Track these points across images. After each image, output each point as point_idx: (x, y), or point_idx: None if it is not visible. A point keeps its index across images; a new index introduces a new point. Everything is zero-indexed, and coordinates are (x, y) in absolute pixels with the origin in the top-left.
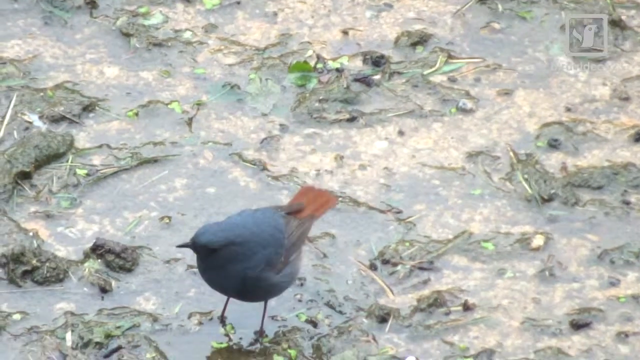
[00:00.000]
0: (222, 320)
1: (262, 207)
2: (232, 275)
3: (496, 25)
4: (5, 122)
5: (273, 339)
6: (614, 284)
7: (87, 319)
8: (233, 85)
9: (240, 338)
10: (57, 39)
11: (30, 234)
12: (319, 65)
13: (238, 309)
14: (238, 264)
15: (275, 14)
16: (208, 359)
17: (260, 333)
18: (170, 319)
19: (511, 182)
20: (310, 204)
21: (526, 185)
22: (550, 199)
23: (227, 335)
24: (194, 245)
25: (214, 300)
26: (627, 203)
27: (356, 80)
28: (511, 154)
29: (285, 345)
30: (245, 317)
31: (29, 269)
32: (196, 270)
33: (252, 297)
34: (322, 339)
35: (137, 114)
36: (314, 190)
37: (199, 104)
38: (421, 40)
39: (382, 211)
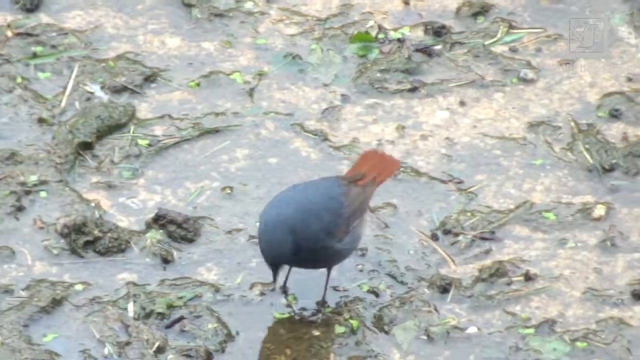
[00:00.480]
0: (284, 290)
1: (321, 177)
2: (299, 250)
3: None
4: (67, 92)
5: (335, 309)
6: None
7: (149, 290)
8: (294, 55)
9: (302, 308)
10: (119, 10)
11: (92, 204)
12: (380, 36)
13: (300, 279)
14: (297, 235)
15: None
16: (270, 329)
17: (322, 303)
18: (232, 290)
19: (572, 152)
20: (373, 169)
21: (587, 156)
22: (611, 169)
23: (289, 305)
24: (270, 263)
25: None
26: None
27: (417, 50)
28: (572, 124)
29: (347, 316)
30: (308, 287)
31: (91, 240)
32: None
33: (314, 265)
34: (384, 309)
35: (198, 85)
36: (377, 154)
37: (261, 75)
38: (482, 10)
39: (443, 181)
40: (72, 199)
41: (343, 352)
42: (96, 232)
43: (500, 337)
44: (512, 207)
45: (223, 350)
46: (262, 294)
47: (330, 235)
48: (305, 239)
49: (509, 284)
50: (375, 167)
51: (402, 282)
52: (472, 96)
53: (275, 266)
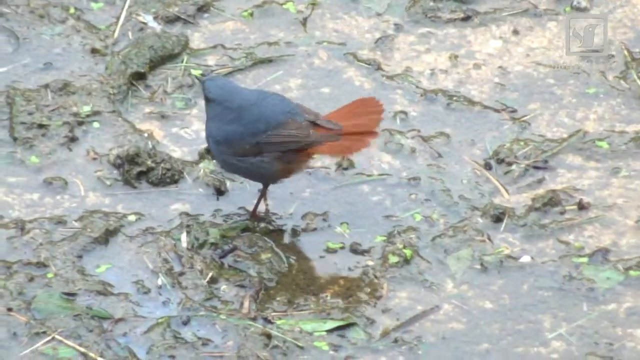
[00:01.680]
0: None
1: (290, 100)
2: (208, 128)
3: None
4: (120, 23)
5: (388, 238)
6: None
7: (202, 220)
8: None
9: (355, 239)
10: None
11: (145, 134)
12: None
13: (353, 209)
14: (215, 121)
15: None
16: (323, 259)
17: (251, 214)
18: (285, 220)
19: (626, 80)
20: (354, 127)
21: None
22: None
23: (342, 235)
24: (202, 83)
25: (329, 200)
26: None
27: None
28: (625, 52)
29: (400, 245)
30: (361, 217)
31: (144, 170)
32: (311, 170)
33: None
34: (437, 239)
35: (251, 14)
36: (374, 111)
37: (314, 4)
38: None
39: (496, 110)
40: (125, 130)
41: (396, 282)
42: (149, 163)
43: (554, 266)
44: (565, 135)
45: (276, 281)
46: (314, 223)
47: (226, 143)
48: (209, 122)
49: (562, 213)
50: (358, 126)
51: (455, 211)
52: (525, 25)
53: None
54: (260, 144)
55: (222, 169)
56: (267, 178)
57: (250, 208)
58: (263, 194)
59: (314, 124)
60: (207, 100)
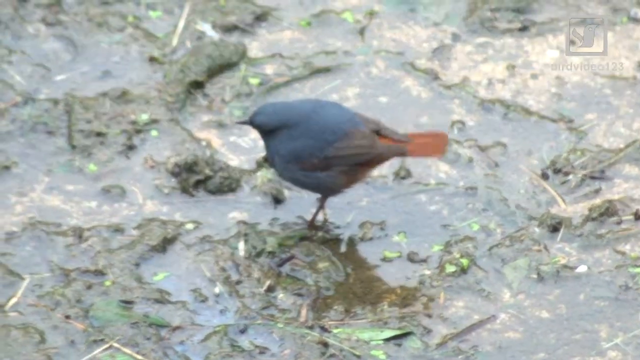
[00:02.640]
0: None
1: (350, 109)
2: (271, 154)
3: None
4: (178, 31)
5: (445, 248)
6: None
7: (260, 229)
8: None
9: (412, 248)
10: None
11: (203, 143)
12: None
13: (410, 218)
14: (280, 145)
15: None
16: (380, 268)
17: (309, 224)
18: (342, 229)
19: None
20: (416, 141)
21: None
22: None
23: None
24: (252, 123)
25: (386, 209)
26: None
27: None
28: None
29: (457, 255)
30: (418, 226)
31: (202, 179)
32: (369, 179)
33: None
34: (494, 248)
35: (309, 23)
36: (439, 142)
37: (372, 13)
38: None
39: (553, 120)
40: (183, 138)
41: (453, 291)
42: (207, 171)
43: (610, 276)
44: (622, 145)
45: (334, 289)
46: (371, 232)
47: (297, 160)
48: (273, 148)
49: (618, 222)
50: (424, 148)
51: (512, 221)
52: (582, 35)
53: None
54: (329, 158)
55: (288, 183)
56: (332, 191)
57: (308, 217)
58: (322, 205)
59: (378, 134)
60: (265, 132)
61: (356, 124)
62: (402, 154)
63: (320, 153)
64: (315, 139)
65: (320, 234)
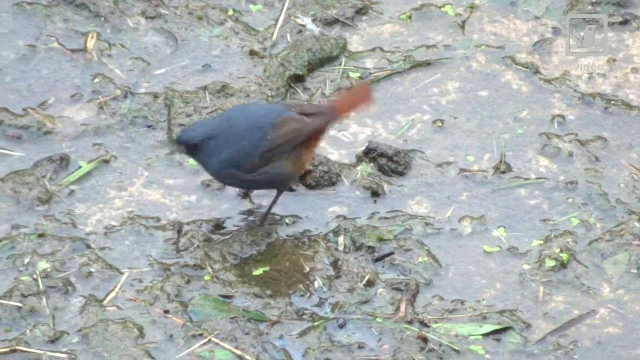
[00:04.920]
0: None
1: (270, 103)
2: (210, 169)
3: None
4: (279, 25)
5: (544, 242)
6: None
7: (359, 223)
8: None
9: (512, 243)
10: None
11: None
12: None
13: (510, 213)
14: (213, 157)
15: None
16: (479, 263)
17: (261, 220)
18: (442, 223)
19: None
20: (340, 102)
21: None
22: None
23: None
24: (178, 143)
25: (486, 203)
26: None
27: None
28: None
29: (557, 249)
30: (518, 220)
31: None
32: (468, 174)
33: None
34: (594, 243)
35: (410, 17)
36: (358, 92)
37: (472, 7)
38: None
39: None
40: None
41: (553, 286)
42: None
43: None
44: None
45: (433, 284)
46: (471, 227)
47: (234, 164)
48: (209, 163)
49: None
50: (349, 103)
51: (612, 215)
52: None
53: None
54: (267, 152)
55: (242, 188)
56: (285, 181)
57: (406, 210)
58: (277, 199)
59: (305, 114)
60: (194, 150)
61: (280, 113)
62: (332, 117)
63: (256, 151)
64: (245, 140)
65: (420, 228)
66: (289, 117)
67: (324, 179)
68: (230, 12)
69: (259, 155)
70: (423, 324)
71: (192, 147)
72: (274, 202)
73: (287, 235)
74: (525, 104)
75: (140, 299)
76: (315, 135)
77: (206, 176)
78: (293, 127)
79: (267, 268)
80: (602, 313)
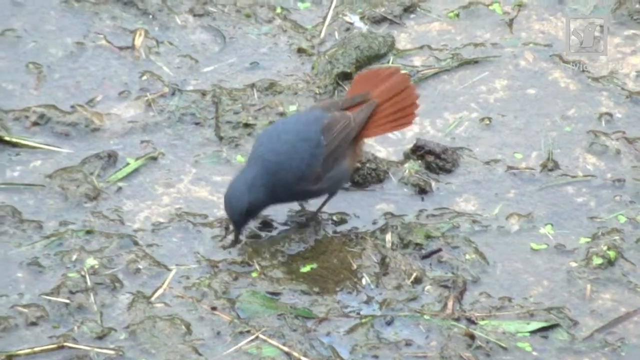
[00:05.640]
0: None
1: (304, 112)
2: (281, 200)
3: None
4: (327, 23)
5: (592, 240)
6: None
7: (406, 220)
8: None
9: (559, 240)
10: None
11: None
12: None
13: (558, 210)
14: (277, 191)
15: None
16: (527, 260)
17: (310, 219)
18: (489, 220)
19: None
20: (384, 92)
21: None
22: None
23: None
24: (235, 225)
25: (533, 201)
26: None
27: None
28: None
29: (604, 247)
30: (565, 218)
31: (358, 166)
32: (516, 171)
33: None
34: None
35: (457, 15)
36: (379, 72)
37: (520, 5)
38: None
39: None
40: None
41: (600, 284)
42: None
43: None
44: None
45: (480, 281)
46: (519, 224)
47: (303, 179)
48: (277, 187)
49: None
50: (379, 87)
51: None
52: None
53: (237, 223)
54: (326, 158)
55: (312, 199)
56: (346, 179)
57: (454, 207)
58: (327, 201)
59: (346, 109)
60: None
61: (323, 117)
62: (375, 106)
63: (316, 161)
64: (302, 155)
65: (467, 225)
66: (333, 116)
67: (372, 177)
68: (279, 10)
69: (321, 164)
70: (470, 321)
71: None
72: (325, 202)
73: (334, 233)
74: (572, 102)
75: (187, 296)
76: (364, 126)
77: None
78: (343, 125)
79: (314, 265)
80: None
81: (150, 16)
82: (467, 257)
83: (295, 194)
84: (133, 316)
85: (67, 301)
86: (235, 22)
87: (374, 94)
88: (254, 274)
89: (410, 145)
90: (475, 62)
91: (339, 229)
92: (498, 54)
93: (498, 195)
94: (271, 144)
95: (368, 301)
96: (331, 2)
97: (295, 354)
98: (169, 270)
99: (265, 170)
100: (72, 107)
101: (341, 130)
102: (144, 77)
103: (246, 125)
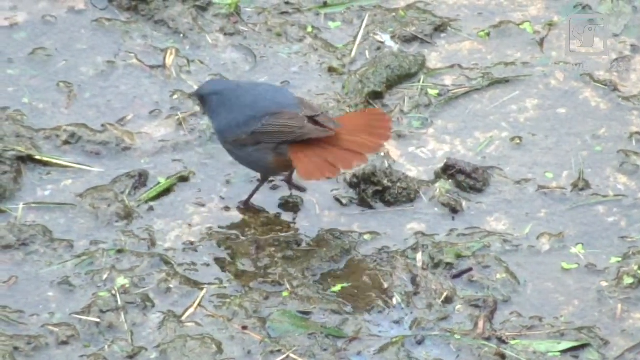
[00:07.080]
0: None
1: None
2: (214, 128)
3: None
4: (357, 42)
5: (623, 259)
6: None
7: (437, 240)
8: (585, 5)
9: (590, 260)
10: None
11: (382, 154)
12: None
13: (589, 230)
14: (213, 117)
15: None
16: (558, 280)
17: (244, 202)
18: (520, 240)
19: None
20: (351, 129)
21: None
22: None
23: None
24: (196, 94)
25: (564, 220)
26: None
27: None
28: None
29: (635, 266)
30: (596, 237)
31: (380, 189)
32: (547, 191)
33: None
34: None
35: (488, 34)
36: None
37: (551, 25)
38: None
39: None
40: None
41: (631, 303)
42: (385, 182)
43: None
44: None
45: (511, 301)
46: (550, 244)
47: (223, 133)
48: (213, 121)
49: None
50: (353, 130)
51: None
52: None
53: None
54: (256, 133)
55: (234, 160)
56: (264, 169)
57: (485, 226)
58: (260, 185)
59: (313, 120)
60: (202, 101)
61: (289, 106)
62: (327, 134)
63: (248, 128)
64: (243, 114)
65: (498, 245)
66: (292, 113)
67: (403, 196)
68: (309, 29)
69: (250, 134)
70: (501, 340)
71: (200, 97)
72: (257, 188)
73: (365, 252)
74: (603, 122)
75: (218, 315)
76: (307, 142)
77: (285, 192)
78: (289, 124)
79: (345, 284)
80: None
81: (181, 35)
82: (498, 276)
83: (221, 141)
84: (164, 335)
85: (98, 320)
86: (266, 41)
87: (345, 125)
88: (285, 294)
89: (441, 165)
90: (505, 81)
91: (369, 248)
92: (529, 73)
93: (529, 215)
94: (242, 91)
95: (399, 321)
96: (362, 22)
97: None
98: (200, 289)
99: (237, 99)
100: (103, 126)
101: (283, 125)
102: (175, 96)
103: None
